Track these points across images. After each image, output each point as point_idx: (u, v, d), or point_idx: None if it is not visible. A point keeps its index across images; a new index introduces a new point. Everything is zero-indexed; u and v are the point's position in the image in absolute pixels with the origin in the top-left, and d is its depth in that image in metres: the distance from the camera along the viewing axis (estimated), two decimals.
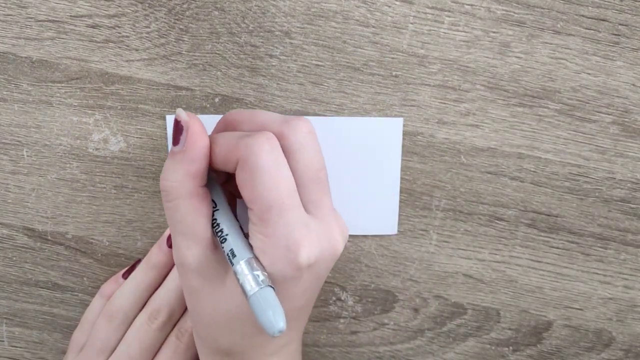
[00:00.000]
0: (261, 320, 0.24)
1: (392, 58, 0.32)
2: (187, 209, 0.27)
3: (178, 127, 0.27)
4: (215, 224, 0.28)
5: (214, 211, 0.28)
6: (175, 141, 0.27)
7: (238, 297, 0.27)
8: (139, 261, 0.35)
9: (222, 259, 0.28)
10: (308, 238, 0.26)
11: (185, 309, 0.34)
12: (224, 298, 0.27)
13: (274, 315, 0.24)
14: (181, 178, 0.27)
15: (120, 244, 0.36)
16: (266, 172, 0.25)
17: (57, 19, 0.32)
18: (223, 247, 0.27)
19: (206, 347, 0.30)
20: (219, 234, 0.27)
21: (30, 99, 0.33)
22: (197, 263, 0.27)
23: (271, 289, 0.25)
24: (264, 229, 0.26)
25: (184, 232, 0.27)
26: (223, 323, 0.28)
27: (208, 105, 0.33)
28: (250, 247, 0.26)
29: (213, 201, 0.28)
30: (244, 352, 0.29)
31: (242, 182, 0.26)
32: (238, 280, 0.25)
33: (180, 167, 0.27)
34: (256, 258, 0.26)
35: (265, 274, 0.25)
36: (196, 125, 0.27)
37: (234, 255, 0.26)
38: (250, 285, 0.25)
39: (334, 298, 0.36)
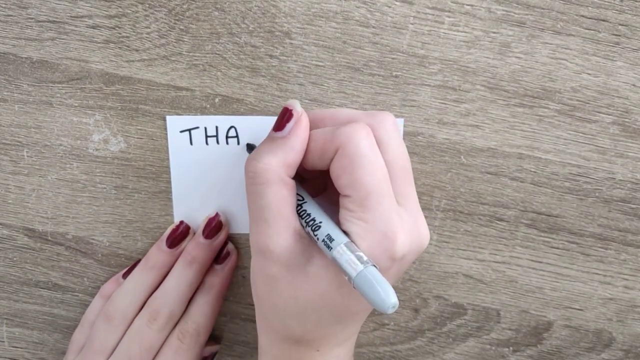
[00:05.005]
0: (372, 297, 0.23)
1: (392, 58, 0.32)
2: (275, 196, 0.27)
3: (287, 115, 0.27)
4: (305, 214, 0.28)
5: (301, 203, 0.28)
6: (280, 127, 0.27)
7: (322, 285, 0.27)
8: (139, 261, 0.35)
9: (304, 249, 0.27)
10: (402, 228, 0.26)
11: (185, 309, 0.34)
12: (305, 287, 0.27)
13: (384, 291, 0.23)
14: (275, 163, 0.27)
15: (121, 244, 0.36)
16: (366, 158, 0.26)
17: (57, 20, 0.32)
18: (316, 235, 0.27)
19: (274, 333, 0.29)
20: (311, 222, 0.27)
21: (31, 100, 0.33)
22: (281, 251, 0.27)
23: (375, 267, 0.24)
24: (362, 214, 0.26)
25: (268, 218, 0.27)
26: (300, 311, 0.28)
27: (208, 106, 0.33)
28: (344, 233, 0.26)
29: (299, 195, 0.28)
30: (314, 339, 0.29)
31: (341, 170, 0.26)
32: (338, 263, 0.25)
33: (278, 152, 0.27)
34: (353, 242, 0.26)
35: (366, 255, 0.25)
36: (306, 120, 0.28)
37: (331, 240, 0.26)
38: (352, 266, 0.24)
39: None
